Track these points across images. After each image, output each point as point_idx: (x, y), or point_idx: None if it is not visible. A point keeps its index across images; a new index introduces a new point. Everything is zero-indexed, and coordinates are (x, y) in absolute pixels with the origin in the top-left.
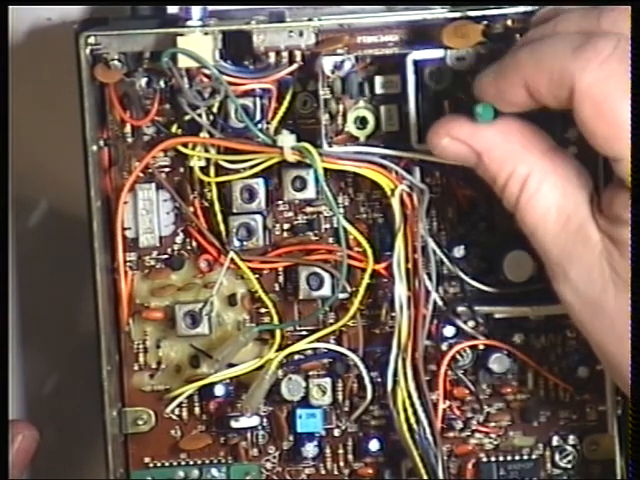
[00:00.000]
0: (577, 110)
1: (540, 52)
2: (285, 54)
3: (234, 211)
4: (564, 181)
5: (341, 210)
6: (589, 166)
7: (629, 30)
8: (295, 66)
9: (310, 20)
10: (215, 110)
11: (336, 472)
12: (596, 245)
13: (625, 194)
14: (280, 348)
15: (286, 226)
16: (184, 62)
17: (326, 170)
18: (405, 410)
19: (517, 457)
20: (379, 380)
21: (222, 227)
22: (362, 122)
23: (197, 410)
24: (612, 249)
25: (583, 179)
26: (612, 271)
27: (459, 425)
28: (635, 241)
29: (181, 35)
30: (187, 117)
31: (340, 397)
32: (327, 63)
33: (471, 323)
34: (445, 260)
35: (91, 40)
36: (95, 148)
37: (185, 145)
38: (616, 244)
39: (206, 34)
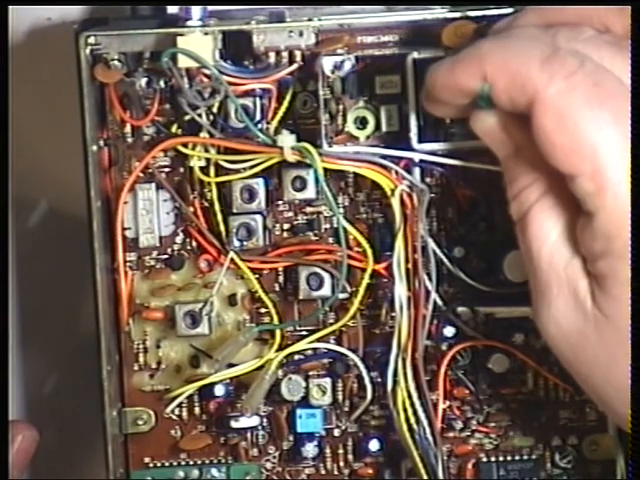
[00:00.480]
0: (538, 120)
1: (507, 50)
2: (285, 54)
3: (234, 211)
4: (570, 208)
5: (341, 210)
6: None
7: (592, 34)
8: (295, 66)
9: (310, 20)
10: (215, 110)
11: (336, 472)
12: (581, 279)
13: (585, 220)
14: (280, 348)
15: (286, 226)
16: (184, 62)
17: (326, 170)
18: (405, 410)
19: (517, 457)
20: (379, 380)
21: (222, 227)
22: (362, 122)
23: (197, 410)
24: (593, 284)
25: (574, 214)
26: (593, 305)
27: (459, 425)
28: (635, 242)
29: (181, 35)
30: (187, 117)
31: (340, 397)
32: (327, 63)
33: (471, 323)
34: (445, 260)
35: (91, 40)
36: (95, 148)
37: (185, 145)
38: (595, 280)
39: (206, 34)
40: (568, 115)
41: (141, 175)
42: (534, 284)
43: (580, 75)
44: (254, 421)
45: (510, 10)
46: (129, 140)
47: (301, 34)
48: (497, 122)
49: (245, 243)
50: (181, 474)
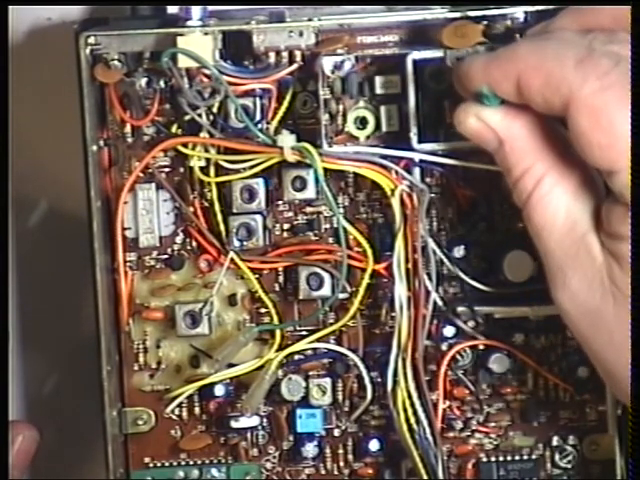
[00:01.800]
0: (573, 120)
1: (543, 52)
2: (285, 54)
3: (234, 211)
4: (576, 187)
5: (341, 210)
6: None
7: (628, 38)
8: (295, 66)
9: (310, 20)
10: (215, 110)
11: (336, 472)
12: (597, 256)
13: (621, 209)
14: (280, 348)
15: (286, 226)
16: (184, 62)
17: (326, 170)
18: (405, 410)
19: (517, 457)
20: (379, 380)
21: (222, 227)
22: (362, 122)
23: (197, 410)
24: (612, 262)
25: (594, 188)
26: (612, 283)
27: (459, 425)
28: (635, 239)
29: (181, 35)
30: (187, 117)
31: (340, 397)
32: (327, 63)
33: (471, 323)
34: (445, 260)
35: (91, 40)
36: (95, 148)
37: (185, 145)
38: (616, 258)
39: (206, 34)
40: (603, 113)
41: (141, 175)
42: (547, 265)
43: (614, 75)
44: (254, 421)
45: (510, 10)
46: (129, 140)
47: (301, 34)
48: (476, 122)
49: (245, 243)
50: (181, 474)
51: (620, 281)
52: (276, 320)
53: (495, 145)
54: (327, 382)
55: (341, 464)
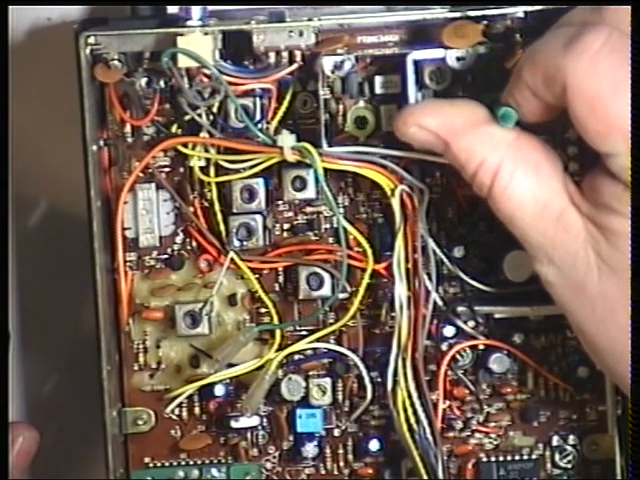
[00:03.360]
0: (571, 107)
1: (534, 51)
2: (285, 54)
3: (234, 211)
4: (536, 169)
5: (341, 210)
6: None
7: (626, 22)
8: (295, 66)
9: (310, 20)
10: (215, 110)
11: (336, 472)
12: (579, 232)
13: (618, 186)
14: (280, 348)
15: (286, 226)
16: (184, 62)
17: (326, 170)
18: (405, 410)
19: (517, 457)
20: (379, 380)
21: (222, 227)
22: (362, 122)
23: (197, 410)
24: (597, 235)
25: (554, 165)
26: (597, 257)
27: (459, 425)
28: (635, 238)
29: (181, 35)
30: (187, 117)
31: (340, 397)
32: (327, 63)
33: (471, 323)
34: (445, 260)
35: (91, 40)
36: (95, 148)
37: (185, 145)
38: (602, 231)
39: (206, 34)
40: (597, 100)
41: (141, 175)
42: (527, 246)
43: (604, 52)
44: (254, 421)
45: (510, 10)
46: (129, 140)
47: (301, 34)
48: (417, 130)
49: (245, 243)
50: (181, 474)
51: (606, 253)
52: (276, 320)
53: (442, 147)
54: (327, 382)
55: (341, 464)
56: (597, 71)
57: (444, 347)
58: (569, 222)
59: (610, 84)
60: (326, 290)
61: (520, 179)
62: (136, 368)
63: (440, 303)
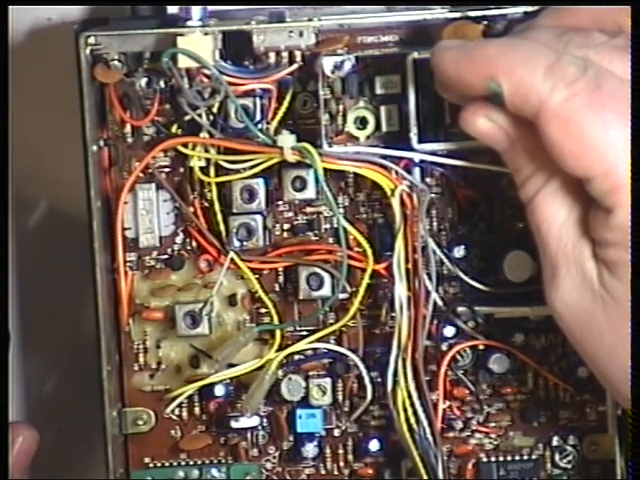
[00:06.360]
0: (544, 130)
1: (513, 55)
2: (285, 54)
3: (234, 211)
4: (578, 191)
5: (341, 210)
6: None
7: (604, 39)
8: (295, 66)
9: (310, 20)
10: (215, 110)
11: (336, 472)
12: (588, 260)
13: (602, 214)
14: (280, 348)
15: (286, 226)
16: (184, 62)
17: (326, 170)
18: (405, 410)
19: (517, 457)
20: (379, 380)
21: (222, 227)
22: (362, 122)
23: (197, 410)
24: (602, 267)
25: (583, 197)
26: (601, 287)
27: (459, 425)
28: (635, 238)
29: (181, 35)
30: (187, 117)
31: (340, 397)
32: (327, 63)
33: (471, 323)
34: (445, 260)
35: (91, 40)
36: (95, 148)
37: (185, 145)
38: (605, 264)
39: (206, 34)
40: (572, 121)
41: (141, 175)
42: (544, 264)
43: (582, 82)
44: (254, 421)
45: (510, 10)
46: (129, 140)
47: (301, 34)
48: (485, 122)
49: (245, 243)
50: (181, 474)
51: (609, 285)
52: (276, 320)
53: (505, 145)
54: (327, 382)
55: (341, 464)
56: (573, 95)
57: (444, 347)
58: (582, 248)
59: (586, 108)
60: (326, 290)
61: (564, 192)
62: (136, 368)
63: (440, 303)
